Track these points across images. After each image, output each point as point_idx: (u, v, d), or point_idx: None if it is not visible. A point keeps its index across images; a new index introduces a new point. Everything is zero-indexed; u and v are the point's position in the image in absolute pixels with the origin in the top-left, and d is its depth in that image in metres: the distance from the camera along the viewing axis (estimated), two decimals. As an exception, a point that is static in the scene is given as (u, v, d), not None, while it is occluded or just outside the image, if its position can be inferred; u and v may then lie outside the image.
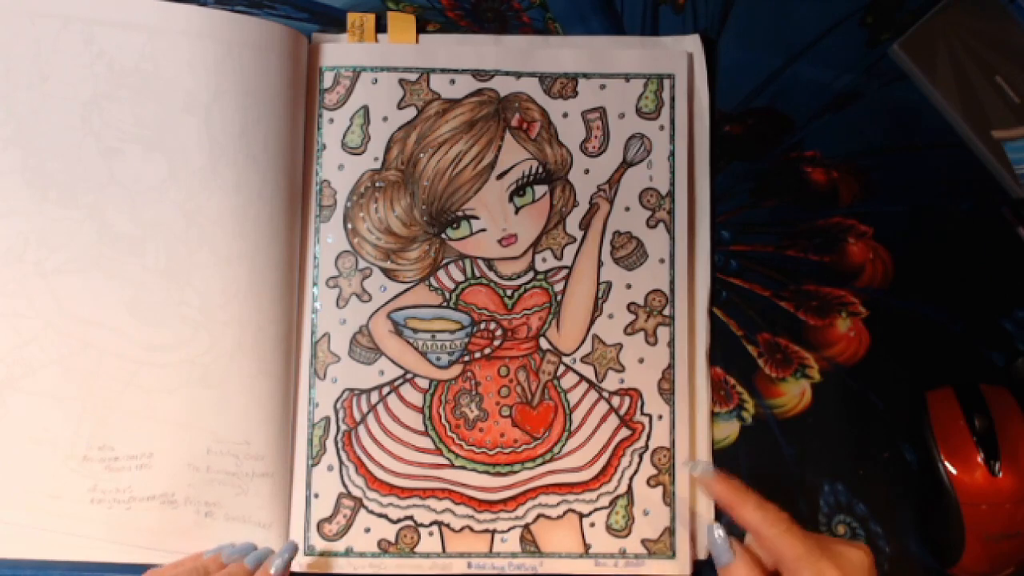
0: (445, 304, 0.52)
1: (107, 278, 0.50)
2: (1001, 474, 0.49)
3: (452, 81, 0.53)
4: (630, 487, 0.52)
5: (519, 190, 0.52)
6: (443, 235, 0.52)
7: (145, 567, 0.47)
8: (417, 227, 0.52)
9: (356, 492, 0.51)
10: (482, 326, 0.52)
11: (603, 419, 0.52)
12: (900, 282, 0.54)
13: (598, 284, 0.53)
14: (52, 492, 0.49)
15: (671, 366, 0.52)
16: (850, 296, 0.54)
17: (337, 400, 0.52)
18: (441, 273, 0.52)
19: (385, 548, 0.51)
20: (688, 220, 0.53)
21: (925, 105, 0.54)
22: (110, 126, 0.49)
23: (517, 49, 0.53)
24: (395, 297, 0.52)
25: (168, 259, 0.50)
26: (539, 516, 0.52)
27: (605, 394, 0.52)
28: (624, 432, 0.52)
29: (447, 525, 0.51)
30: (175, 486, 0.50)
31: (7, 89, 0.49)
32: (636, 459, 0.52)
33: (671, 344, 0.52)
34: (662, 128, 0.53)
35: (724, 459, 0.53)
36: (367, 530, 0.51)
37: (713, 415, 0.53)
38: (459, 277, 0.52)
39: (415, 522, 0.51)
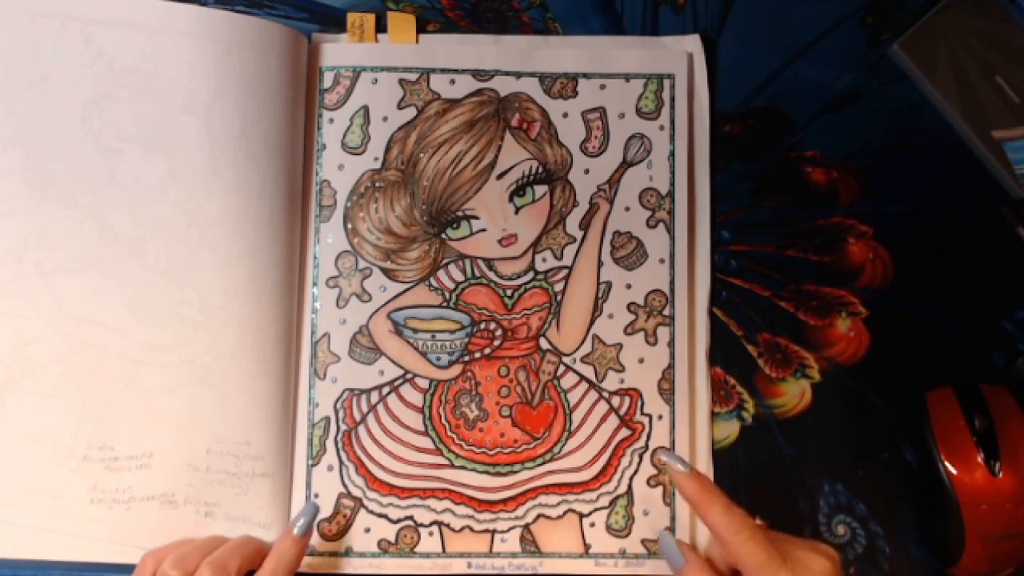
0: (445, 304, 0.52)
1: (107, 278, 0.50)
2: (1001, 474, 0.49)
3: (452, 81, 0.53)
4: (630, 487, 0.52)
5: (519, 190, 0.52)
6: (443, 235, 0.52)
7: (145, 567, 0.47)
8: (417, 227, 0.52)
9: (356, 492, 0.51)
10: (482, 326, 0.52)
11: (603, 419, 0.52)
12: (900, 282, 0.54)
13: (598, 284, 0.53)
14: (52, 492, 0.49)
15: (671, 366, 0.52)
16: (850, 296, 0.54)
17: (337, 400, 0.52)
18: (441, 273, 0.52)
19: (385, 548, 0.51)
20: (688, 220, 0.53)
21: (925, 105, 0.54)
22: (110, 126, 0.49)
23: (517, 49, 0.53)
24: (395, 297, 0.52)
25: (168, 259, 0.50)
26: (539, 516, 0.52)
27: (605, 394, 0.52)
28: (624, 432, 0.52)
29: (447, 525, 0.51)
30: (175, 486, 0.50)
31: (7, 89, 0.49)
32: (636, 459, 0.52)
33: (671, 344, 0.52)
34: (662, 128, 0.53)
35: (724, 459, 0.53)
36: (367, 530, 0.51)
37: (713, 415, 0.53)
38: (459, 277, 0.52)
39: (415, 522, 0.51)
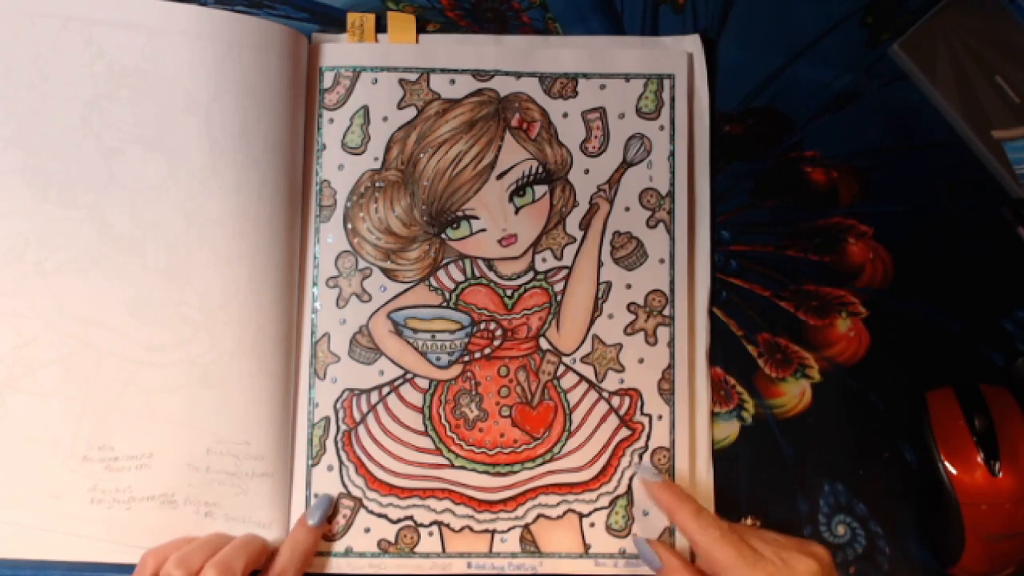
0: (445, 304, 0.52)
1: (107, 278, 0.50)
2: (1001, 474, 0.49)
3: (452, 81, 0.53)
4: (630, 487, 0.52)
5: (519, 190, 0.52)
6: (443, 235, 0.52)
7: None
8: (417, 227, 0.52)
9: (356, 492, 0.51)
10: (482, 326, 0.52)
11: (603, 419, 0.52)
12: (900, 282, 0.54)
13: (598, 284, 0.53)
14: (52, 492, 0.49)
15: (671, 366, 0.52)
16: (850, 296, 0.54)
17: (337, 400, 0.52)
18: (441, 273, 0.52)
19: (385, 548, 0.51)
20: (688, 220, 0.53)
21: (925, 105, 0.54)
22: (110, 126, 0.49)
23: (517, 49, 0.53)
24: (395, 297, 0.52)
25: (168, 259, 0.50)
26: (539, 516, 0.52)
27: (605, 394, 0.52)
28: (624, 432, 0.52)
29: (447, 525, 0.51)
30: (175, 486, 0.50)
31: (7, 89, 0.49)
32: (636, 459, 0.52)
33: (671, 344, 0.52)
34: (662, 128, 0.53)
35: (724, 459, 0.53)
36: (367, 530, 0.51)
37: (713, 415, 0.53)
38: (459, 277, 0.52)
39: (415, 522, 0.51)
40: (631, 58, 0.53)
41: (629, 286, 0.53)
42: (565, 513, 0.52)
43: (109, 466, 0.49)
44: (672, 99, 0.53)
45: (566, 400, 0.52)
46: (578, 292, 0.53)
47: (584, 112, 0.53)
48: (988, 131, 0.53)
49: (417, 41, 0.53)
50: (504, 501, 0.52)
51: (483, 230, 0.52)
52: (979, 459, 0.49)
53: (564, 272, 0.53)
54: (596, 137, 0.53)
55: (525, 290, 0.53)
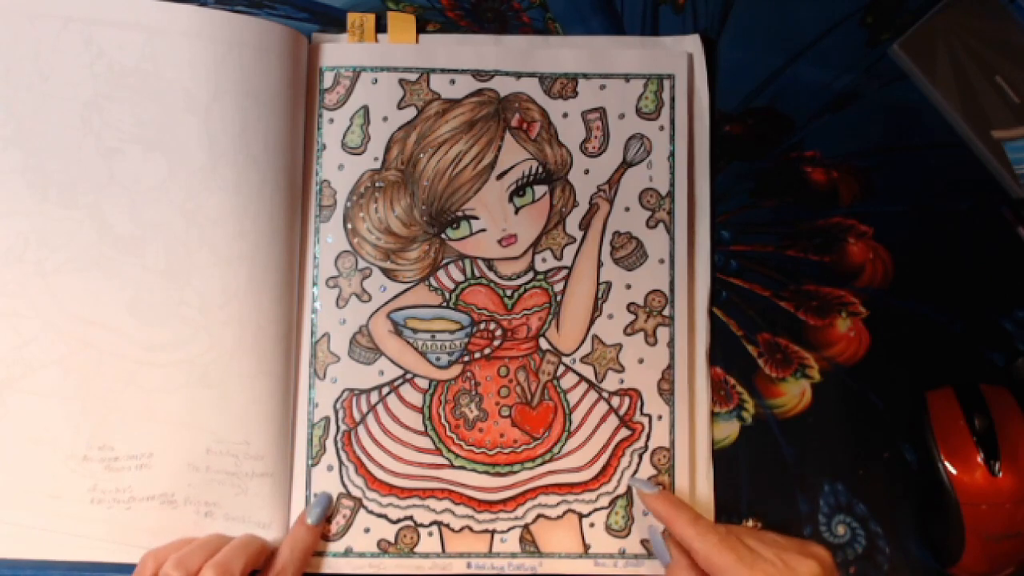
0: (445, 304, 0.52)
1: (107, 278, 0.50)
2: (1001, 474, 0.49)
3: (452, 81, 0.53)
4: (629, 487, 0.52)
5: (519, 190, 0.52)
6: (443, 235, 0.52)
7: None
8: (417, 227, 0.52)
9: (356, 492, 0.51)
10: (482, 326, 0.52)
11: (603, 419, 0.52)
12: (900, 282, 0.54)
13: (598, 284, 0.53)
14: (52, 492, 0.49)
15: (671, 366, 0.52)
16: (850, 296, 0.54)
17: (337, 400, 0.52)
18: (441, 273, 0.52)
19: (385, 548, 0.51)
20: (688, 220, 0.53)
21: (925, 105, 0.54)
22: (110, 126, 0.49)
23: (517, 49, 0.53)
24: (395, 297, 0.52)
25: (168, 259, 0.50)
26: (539, 516, 0.52)
27: (605, 394, 0.52)
28: (624, 432, 0.52)
29: (447, 525, 0.51)
30: (175, 486, 0.50)
31: (7, 89, 0.49)
32: (636, 459, 0.52)
33: (671, 344, 0.52)
34: (662, 128, 0.53)
35: (724, 459, 0.53)
36: (367, 530, 0.51)
37: (713, 415, 0.53)
38: (459, 277, 0.52)
39: (415, 522, 0.51)
40: (631, 58, 0.53)
41: (629, 286, 0.53)
42: (565, 513, 0.52)
43: (109, 466, 0.49)
44: (672, 99, 0.53)
45: (566, 400, 0.52)
46: (578, 292, 0.53)
47: (584, 112, 0.53)
48: (988, 131, 0.53)
49: (417, 41, 0.53)
50: (504, 501, 0.52)
51: (483, 230, 0.52)
52: (979, 459, 0.49)
53: (564, 272, 0.53)
54: (596, 137, 0.53)
55: (525, 290, 0.53)
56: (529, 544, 0.51)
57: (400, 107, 0.52)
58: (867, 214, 0.54)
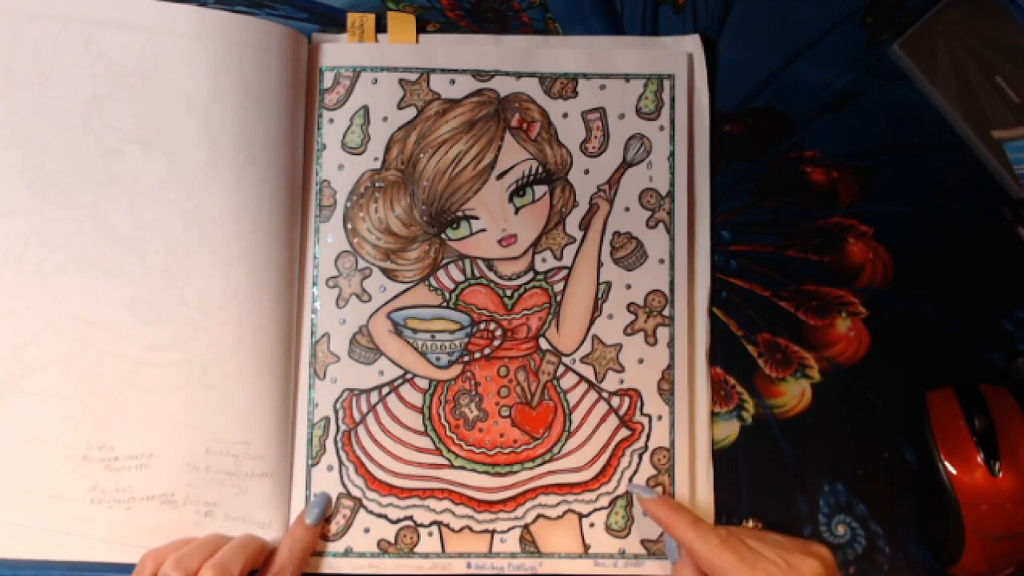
0: (445, 304, 0.52)
1: (107, 278, 0.50)
2: (1001, 474, 0.49)
3: (452, 81, 0.53)
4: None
5: (519, 190, 0.52)
6: (443, 235, 0.52)
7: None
8: (417, 227, 0.52)
9: (356, 492, 0.51)
10: (482, 326, 0.52)
11: (603, 419, 0.52)
12: (900, 282, 0.54)
13: (598, 284, 0.53)
14: (52, 492, 0.49)
15: (671, 366, 0.52)
16: (850, 296, 0.54)
17: (337, 400, 0.52)
18: (441, 273, 0.52)
19: (385, 548, 0.51)
20: (688, 220, 0.53)
21: (925, 105, 0.54)
22: (110, 126, 0.50)
23: (517, 49, 0.53)
24: (395, 297, 0.52)
25: (168, 259, 0.50)
26: (539, 516, 0.52)
27: (605, 394, 0.52)
28: (624, 432, 0.52)
29: (447, 525, 0.51)
30: (175, 486, 0.50)
31: (7, 89, 0.49)
32: (636, 459, 0.52)
33: (671, 344, 0.52)
34: (662, 128, 0.53)
35: (724, 459, 0.53)
36: (366, 530, 0.51)
37: (713, 415, 0.53)
38: (459, 277, 0.52)
39: (414, 522, 0.51)
40: (631, 58, 0.53)
41: (629, 286, 0.53)
42: (565, 513, 0.52)
43: (109, 466, 0.49)
44: (672, 99, 0.53)
45: (566, 400, 0.52)
46: (578, 292, 0.53)
47: (584, 112, 0.53)
48: (988, 131, 0.53)
49: (417, 41, 0.53)
50: (504, 501, 0.52)
51: (483, 230, 0.52)
52: (979, 459, 0.49)
53: (564, 272, 0.53)
54: (596, 137, 0.53)
55: (525, 290, 0.53)
56: (529, 544, 0.51)
57: (400, 107, 0.52)
58: (867, 214, 0.54)
